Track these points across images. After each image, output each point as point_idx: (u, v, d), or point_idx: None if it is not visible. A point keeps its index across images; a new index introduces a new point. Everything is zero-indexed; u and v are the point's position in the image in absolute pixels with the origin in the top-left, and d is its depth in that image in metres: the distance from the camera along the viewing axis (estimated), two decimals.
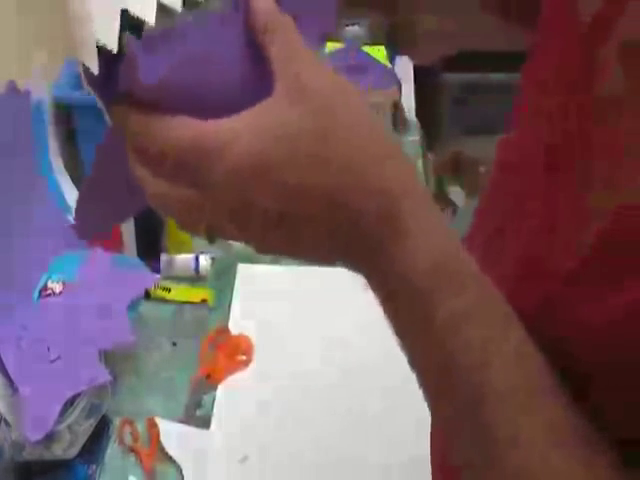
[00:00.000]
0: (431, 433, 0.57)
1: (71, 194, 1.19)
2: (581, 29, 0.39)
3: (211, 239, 0.39)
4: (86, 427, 0.96)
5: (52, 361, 0.95)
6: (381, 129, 0.39)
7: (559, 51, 0.42)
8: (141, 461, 0.99)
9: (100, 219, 0.50)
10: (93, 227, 0.50)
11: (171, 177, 0.37)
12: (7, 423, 0.90)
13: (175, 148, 0.37)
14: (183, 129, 0.37)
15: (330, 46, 1.52)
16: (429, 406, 0.39)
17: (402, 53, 1.54)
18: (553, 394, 0.36)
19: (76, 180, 1.20)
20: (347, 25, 1.60)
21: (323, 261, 0.39)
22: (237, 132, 0.36)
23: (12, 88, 0.99)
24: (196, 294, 1.21)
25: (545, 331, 0.37)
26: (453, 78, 2.04)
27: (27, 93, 1.04)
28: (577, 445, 0.35)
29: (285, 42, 0.38)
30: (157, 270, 1.20)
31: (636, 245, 0.33)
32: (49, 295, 1.06)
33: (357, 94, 0.38)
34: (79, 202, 0.48)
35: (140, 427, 1.02)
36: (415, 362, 0.39)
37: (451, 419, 0.39)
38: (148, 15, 0.37)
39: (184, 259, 1.23)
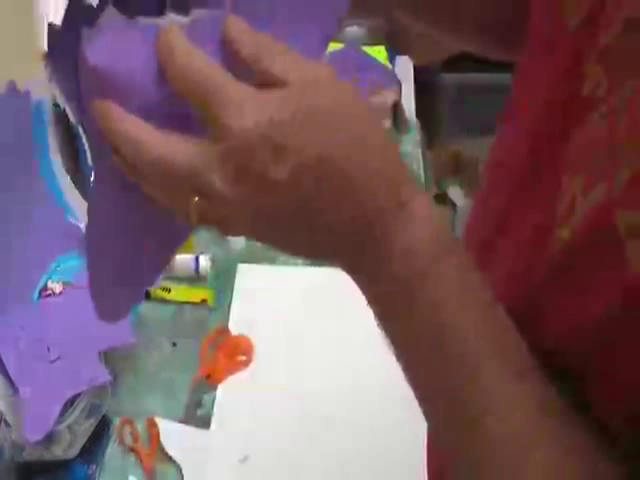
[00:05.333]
0: (427, 443, 0.57)
1: (71, 194, 1.19)
2: (569, 32, 0.39)
3: (207, 214, 0.38)
4: (86, 427, 0.96)
5: (52, 361, 0.95)
6: (382, 132, 0.39)
7: (548, 53, 0.42)
8: (141, 461, 0.99)
9: (119, 297, 0.49)
10: (116, 307, 0.49)
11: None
12: (7, 423, 0.90)
13: (207, 78, 0.36)
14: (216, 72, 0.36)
15: (330, 46, 1.52)
16: (419, 404, 0.40)
17: (401, 54, 1.55)
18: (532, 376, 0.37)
19: (76, 180, 1.20)
20: (347, 26, 1.60)
21: (311, 253, 0.39)
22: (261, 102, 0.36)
23: (12, 88, 0.99)
24: (196, 294, 1.21)
25: (534, 333, 0.38)
26: (453, 78, 2.04)
27: (27, 93, 1.04)
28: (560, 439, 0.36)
29: (281, 52, 0.38)
30: None
31: (608, 244, 0.34)
32: (49, 295, 1.06)
33: (354, 91, 0.39)
34: (92, 285, 0.47)
35: (140, 427, 1.02)
36: (402, 359, 0.39)
37: (439, 415, 0.39)
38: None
39: (184, 259, 1.23)
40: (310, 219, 0.37)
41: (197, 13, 0.38)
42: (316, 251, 0.39)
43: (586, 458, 0.35)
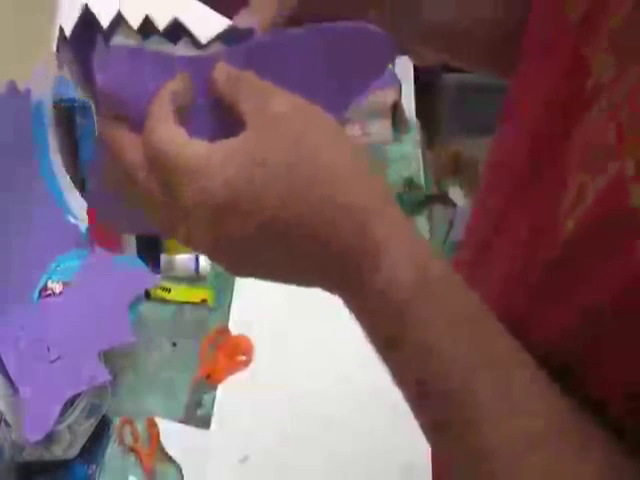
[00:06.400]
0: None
1: (71, 194, 1.19)
2: (571, 25, 0.39)
3: (190, 245, 0.40)
4: (86, 427, 0.96)
5: (52, 361, 0.95)
6: (348, 153, 0.39)
7: (546, 54, 0.42)
8: (141, 461, 0.99)
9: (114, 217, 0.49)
10: (114, 219, 0.49)
11: (151, 181, 0.39)
12: (7, 423, 0.90)
13: (159, 154, 0.38)
14: (169, 139, 0.38)
15: None
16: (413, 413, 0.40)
17: (401, 54, 1.54)
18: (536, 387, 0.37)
19: (76, 180, 1.20)
20: None
21: (299, 284, 0.40)
22: (212, 162, 0.36)
23: (12, 88, 0.99)
24: (196, 294, 1.21)
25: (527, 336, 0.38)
26: (453, 78, 2.04)
27: (27, 93, 1.04)
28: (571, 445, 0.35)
29: (250, 83, 0.39)
30: (157, 270, 1.20)
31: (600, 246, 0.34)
32: (49, 295, 1.06)
33: (325, 118, 0.39)
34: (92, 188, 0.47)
35: (140, 427, 1.02)
36: (394, 377, 0.39)
37: (434, 431, 0.39)
38: (103, 18, 0.39)
39: (184, 259, 1.23)
40: (282, 263, 0.38)
41: (214, 46, 0.39)
42: (298, 284, 0.40)
43: (601, 454, 0.35)
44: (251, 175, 0.36)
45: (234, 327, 1.16)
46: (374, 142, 1.45)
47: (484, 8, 0.55)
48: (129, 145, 0.39)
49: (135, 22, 0.39)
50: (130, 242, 1.20)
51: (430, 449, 0.57)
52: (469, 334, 0.37)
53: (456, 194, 1.84)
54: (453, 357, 0.36)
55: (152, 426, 1.02)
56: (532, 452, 0.35)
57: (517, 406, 0.36)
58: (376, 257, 0.37)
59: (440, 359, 0.36)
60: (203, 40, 0.40)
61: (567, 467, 0.35)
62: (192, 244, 0.39)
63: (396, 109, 1.50)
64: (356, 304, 0.39)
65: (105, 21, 0.39)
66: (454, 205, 1.68)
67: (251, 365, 1.11)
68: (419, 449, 0.58)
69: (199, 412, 1.05)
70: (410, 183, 1.42)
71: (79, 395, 0.94)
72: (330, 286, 0.39)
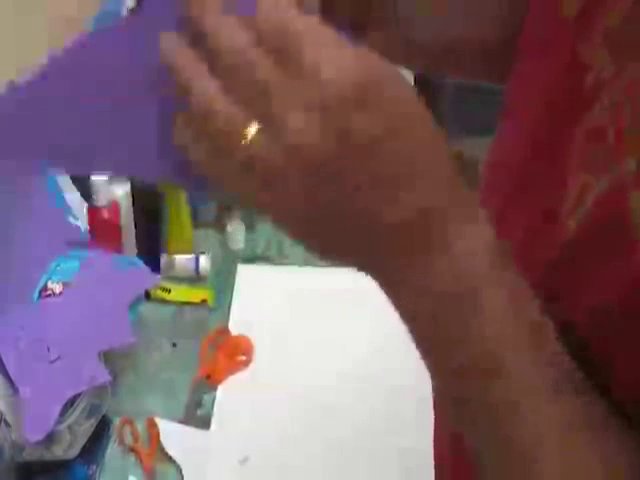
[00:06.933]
0: (435, 430, 0.57)
1: (71, 194, 1.19)
2: (567, 24, 0.39)
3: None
4: (86, 427, 0.96)
5: (52, 361, 0.95)
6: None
7: (545, 49, 0.42)
8: (141, 461, 0.99)
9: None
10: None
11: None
12: (7, 423, 0.90)
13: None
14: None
15: None
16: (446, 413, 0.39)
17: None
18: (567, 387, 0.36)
19: (76, 180, 1.20)
20: None
21: (347, 252, 0.36)
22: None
23: (12, 88, 0.99)
24: (196, 294, 1.21)
25: None
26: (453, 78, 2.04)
27: None
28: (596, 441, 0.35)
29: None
30: (157, 270, 1.20)
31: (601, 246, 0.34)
32: (49, 295, 1.06)
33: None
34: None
35: (140, 427, 1.02)
36: (431, 353, 0.37)
37: (467, 424, 0.38)
38: None
39: (184, 259, 1.23)
40: (375, 198, 0.34)
41: None
42: (355, 246, 0.35)
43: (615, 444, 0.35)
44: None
45: (234, 327, 1.16)
46: None
47: (475, 20, 0.55)
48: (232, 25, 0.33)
49: None
50: (130, 242, 1.20)
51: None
52: (520, 336, 0.35)
53: None
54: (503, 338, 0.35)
55: (152, 426, 1.02)
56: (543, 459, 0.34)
57: (552, 421, 0.35)
58: (466, 223, 0.36)
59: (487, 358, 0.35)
60: None
61: (582, 453, 0.34)
62: (277, 128, 0.32)
63: None
64: (419, 251, 0.35)
65: None
66: None
67: (251, 365, 1.11)
68: (421, 450, 0.58)
69: (199, 412, 1.05)
70: None
71: (79, 395, 0.94)
72: (390, 229, 0.34)
